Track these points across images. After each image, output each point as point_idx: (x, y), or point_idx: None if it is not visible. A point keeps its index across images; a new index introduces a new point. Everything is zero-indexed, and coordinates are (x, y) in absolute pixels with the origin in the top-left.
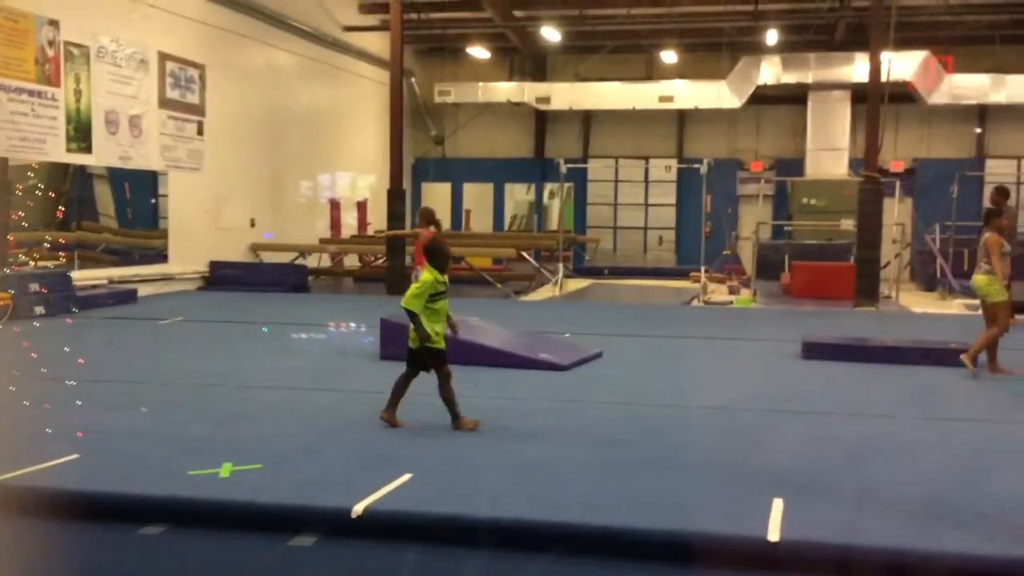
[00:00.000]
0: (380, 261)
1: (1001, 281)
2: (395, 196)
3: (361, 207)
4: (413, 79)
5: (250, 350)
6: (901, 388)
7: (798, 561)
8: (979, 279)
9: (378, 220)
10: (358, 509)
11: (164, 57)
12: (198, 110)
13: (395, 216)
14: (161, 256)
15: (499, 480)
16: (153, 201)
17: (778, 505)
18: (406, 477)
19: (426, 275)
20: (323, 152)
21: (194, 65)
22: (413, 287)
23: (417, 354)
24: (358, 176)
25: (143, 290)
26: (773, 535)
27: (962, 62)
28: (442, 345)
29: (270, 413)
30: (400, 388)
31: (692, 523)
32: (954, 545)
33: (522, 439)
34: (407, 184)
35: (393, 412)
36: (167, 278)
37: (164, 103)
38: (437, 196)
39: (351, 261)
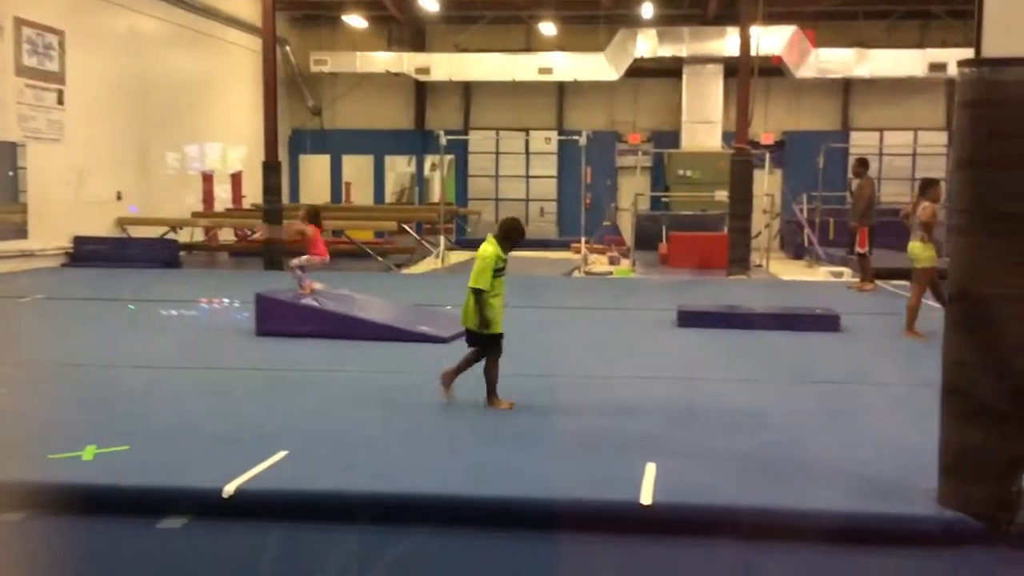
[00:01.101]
0: (256, 235)
1: (932, 249)
2: (270, 168)
3: (235, 179)
4: (288, 47)
5: (116, 329)
6: (770, 353)
7: (671, 523)
8: (915, 246)
9: (253, 193)
10: (229, 489)
11: (20, 23)
12: (58, 78)
13: (270, 189)
14: (20, 232)
15: (375, 455)
16: (11, 174)
17: (651, 469)
18: (281, 455)
19: (489, 248)
20: (194, 123)
21: (52, 31)
22: (477, 264)
23: (476, 335)
24: (231, 148)
25: (0, 267)
26: (646, 499)
27: (828, 37)
28: (500, 329)
29: (138, 393)
30: (466, 365)
31: (567, 490)
32: (818, 503)
33: (399, 412)
34: (283, 156)
35: (495, 396)
36: (27, 255)
37: (21, 71)
38: (315, 168)
39: (226, 235)
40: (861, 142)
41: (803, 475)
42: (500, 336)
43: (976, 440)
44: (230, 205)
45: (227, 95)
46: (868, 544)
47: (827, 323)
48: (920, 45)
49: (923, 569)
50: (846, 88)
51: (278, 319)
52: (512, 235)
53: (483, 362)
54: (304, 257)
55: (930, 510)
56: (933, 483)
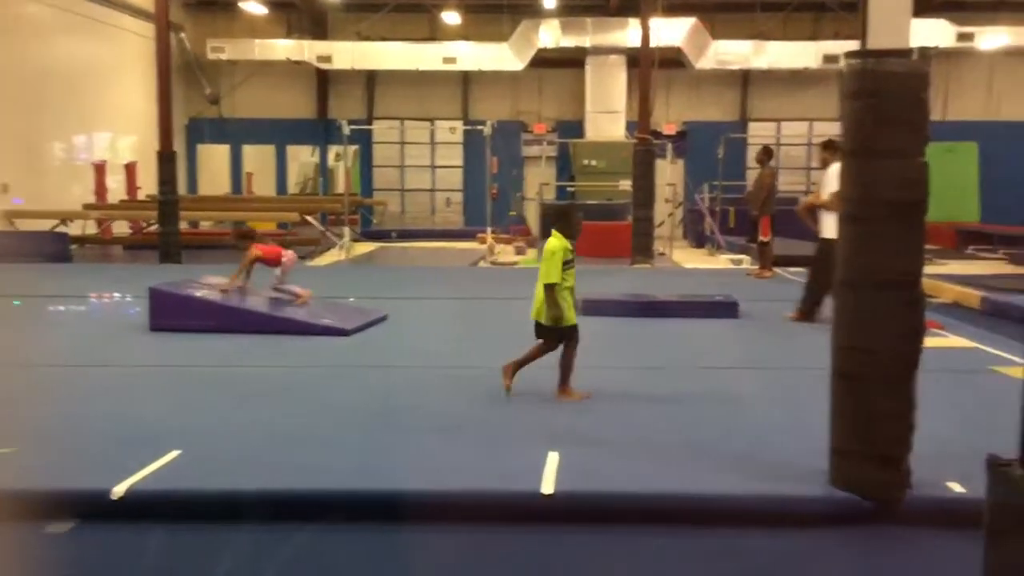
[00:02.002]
0: (152, 227)
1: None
2: (165, 159)
3: (130, 170)
4: (183, 34)
5: (1, 326)
6: (671, 340)
7: (572, 512)
8: None
9: (148, 184)
10: (119, 490)
11: None
12: None
13: (166, 180)
14: None
15: (271, 452)
16: None
17: (554, 458)
18: (174, 454)
19: (554, 241)
20: (86, 112)
21: None
22: (545, 258)
23: (547, 328)
24: (125, 137)
25: None
26: (547, 488)
27: (726, 29)
28: (574, 320)
29: (25, 393)
30: (566, 364)
31: (467, 482)
32: (714, 487)
33: (298, 407)
34: (180, 146)
35: (568, 386)
36: None
37: None
38: (215, 158)
39: (120, 228)
40: (759, 132)
41: (701, 460)
42: (575, 327)
43: (864, 422)
44: (124, 196)
45: (120, 83)
46: (762, 526)
47: (726, 310)
48: (814, 37)
49: (816, 548)
50: (744, 79)
51: (172, 314)
52: (564, 222)
53: (532, 352)
54: (275, 274)
55: (822, 490)
56: (825, 464)
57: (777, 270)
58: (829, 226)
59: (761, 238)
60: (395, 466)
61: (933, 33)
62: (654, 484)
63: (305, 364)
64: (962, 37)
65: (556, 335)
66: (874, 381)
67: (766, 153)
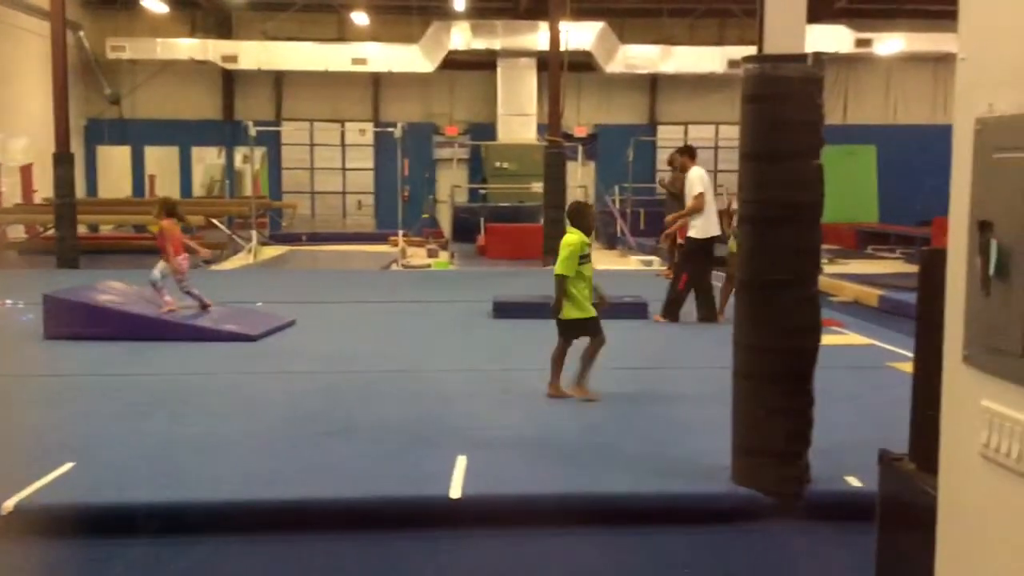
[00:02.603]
0: (49, 231)
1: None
2: (61, 160)
3: (25, 172)
4: (81, 33)
5: None
6: (579, 342)
7: (480, 515)
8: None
9: (45, 187)
10: (8, 505)
11: None
12: None
13: (63, 183)
14: None
15: (169, 462)
16: None
17: (462, 462)
18: (67, 466)
19: (572, 236)
20: None
21: None
22: (562, 252)
23: (567, 324)
24: (19, 139)
25: None
26: (455, 492)
27: (634, 34)
28: (591, 313)
29: None
30: (557, 360)
31: (376, 488)
32: (621, 486)
33: (199, 416)
34: (78, 147)
35: (558, 383)
36: None
37: None
38: (115, 160)
39: (15, 232)
40: (667, 135)
41: (608, 460)
42: (596, 321)
43: (764, 419)
44: (19, 200)
45: (14, 83)
46: (669, 524)
47: (636, 310)
48: (719, 43)
49: (721, 544)
50: (653, 83)
51: (69, 321)
52: (578, 217)
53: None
54: (159, 267)
55: (725, 488)
56: (727, 462)
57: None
58: (695, 226)
59: (679, 240)
60: (300, 474)
61: (833, 39)
62: (563, 485)
63: (208, 371)
64: (861, 43)
65: (575, 330)
66: (773, 379)
67: (682, 152)
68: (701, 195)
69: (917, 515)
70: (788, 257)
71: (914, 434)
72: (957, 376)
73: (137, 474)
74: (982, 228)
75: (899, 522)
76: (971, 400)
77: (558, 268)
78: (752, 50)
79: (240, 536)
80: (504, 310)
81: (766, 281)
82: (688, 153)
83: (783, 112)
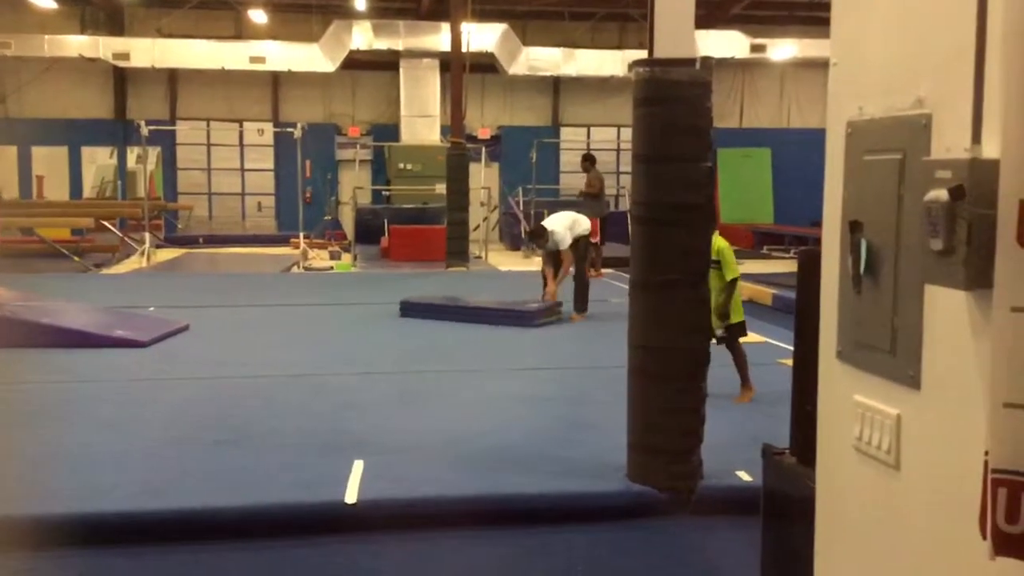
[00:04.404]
0: None
1: None
2: None
3: None
4: None
5: None
6: (486, 343)
7: (376, 519)
8: None
9: None
10: None
11: None
12: None
13: None
14: None
15: (56, 474)
16: None
17: (359, 467)
18: None
19: (724, 241)
20: None
21: None
22: (729, 255)
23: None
24: None
25: None
26: (351, 497)
27: (537, 36)
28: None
29: None
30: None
31: (269, 495)
32: (517, 487)
33: (88, 425)
34: None
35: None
36: None
37: None
38: (2, 161)
39: None
40: (571, 137)
41: (506, 461)
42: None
43: (657, 417)
44: None
45: None
46: (566, 522)
47: (531, 315)
48: (620, 46)
49: (618, 541)
50: (556, 86)
51: None
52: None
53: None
54: None
55: (620, 485)
56: (622, 461)
57: (605, 271)
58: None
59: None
60: (191, 483)
61: (729, 44)
62: (461, 487)
63: (94, 378)
64: (755, 48)
65: (737, 332)
66: (665, 377)
67: (588, 160)
68: (569, 251)
69: (798, 506)
70: (679, 257)
71: (794, 428)
72: (831, 372)
73: (19, 486)
74: (853, 228)
75: (781, 514)
76: (844, 395)
77: (734, 272)
78: (646, 54)
79: (124, 548)
80: (412, 309)
81: (658, 281)
82: (589, 160)
83: (673, 115)
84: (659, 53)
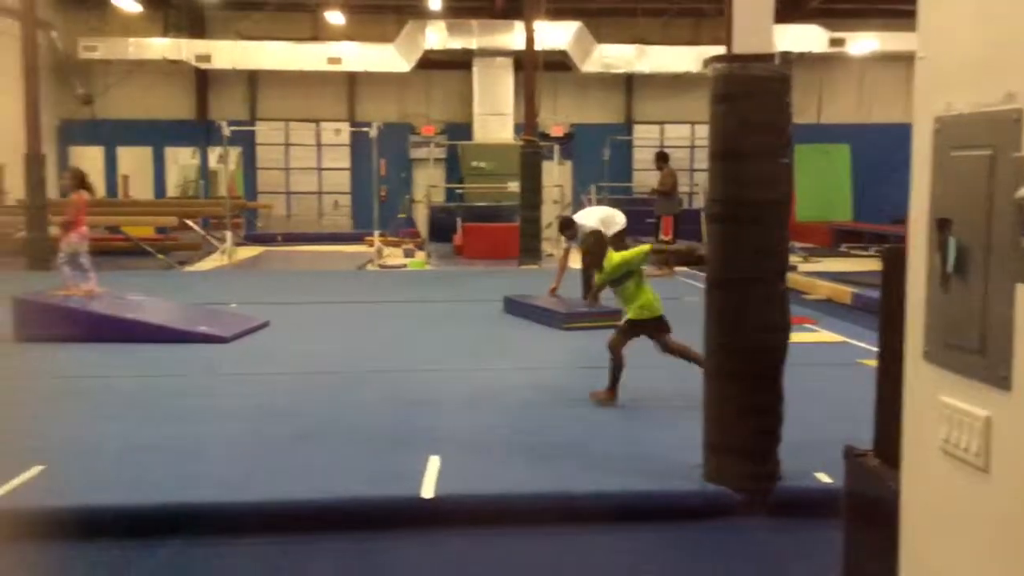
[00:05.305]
0: (20, 233)
1: None
2: (33, 161)
3: None
4: (54, 33)
5: None
6: (557, 342)
7: (451, 514)
8: None
9: (17, 188)
10: None
11: None
12: None
13: (34, 184)
14: None
15: (140, 465)
16: None
17: (435, 462)
18: (36, 469)
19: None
20: None
21: None
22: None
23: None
24: None
25: None
26: (428, 492)
27: (609, 33)
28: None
29: None
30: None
31: (348, 489)
32: (591, 485)
33: (171, 418)
34: (51, 148)
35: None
36: None
37: None
38: (89, 161)
39: None
40: (643, 134)
41: (579, 459)
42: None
43: (734, 416)
44: None
45: None
46: (641, 522)
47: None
48: (694, 42)
49: (691, 542)
50: (628, 83)
51: (39, 323)
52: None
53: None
54: (68, 242)
55: (695, 485)
56: (698, 460)
57: (677, 270)
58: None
59: (663, 237)
60: (271, 476)
61: (807, 39)
62: (534, 484)
63: (179, 373)
64: (834, 42)
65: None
66: (743, 376)
67: (661, 158)
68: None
69: (881, 509)
70: (756, 256)
71: (878, 429)
72: (917, 372)
73: (106, 477)
74: (941, 226)
75: (864, 516)
76: (931, 396)
77: (606, 273)
78: (723, 50)
79: (207, 539)
80: (514, 307)
81: (735, 280)
82: (663, 158)
83: (751, 111)
84: (738, 48)
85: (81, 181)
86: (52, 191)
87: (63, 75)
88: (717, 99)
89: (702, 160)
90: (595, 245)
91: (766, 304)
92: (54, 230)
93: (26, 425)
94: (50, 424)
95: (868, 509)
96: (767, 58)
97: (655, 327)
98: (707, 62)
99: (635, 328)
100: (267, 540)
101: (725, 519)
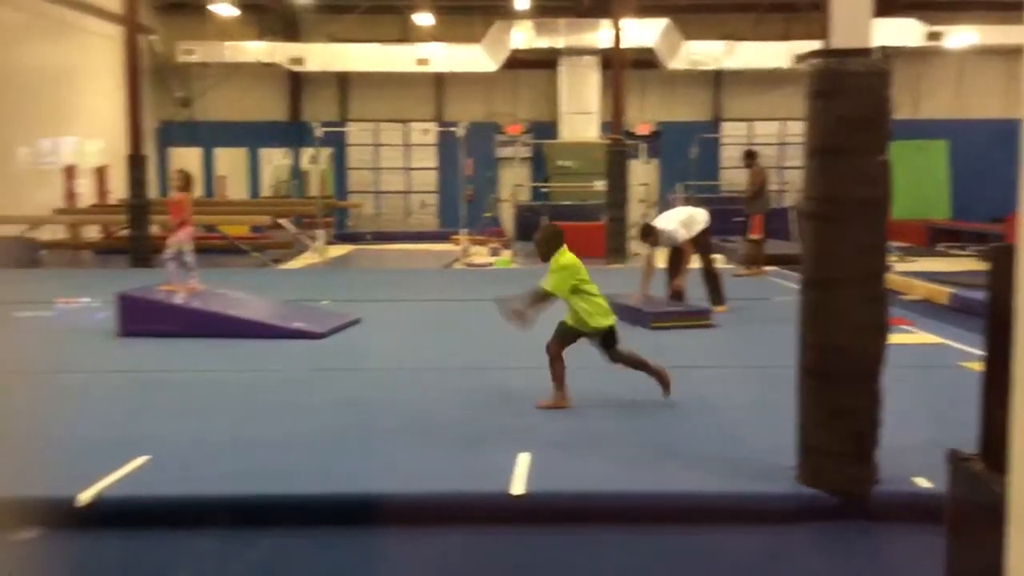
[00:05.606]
0: (123, 232)
1: None
2: (135, 162)
3: (100, 174)
4: (153, 37)
5: None
6: (648, 342)
7: (542, 512)
8: None
9: (119, 188)
10: (85, 497)
11: None
12: None
13: (136, 184)
14: None
15: (240, 456)
16: None
17: (525, 459)
18: (141, 460)
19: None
20: (54, 116)
21: None
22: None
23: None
24: (95, 141)
25: None
26: (517, 489)
27: (698, 30)
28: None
29: None
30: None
31: (437, 485)
32: (683, 485)
33: (268, 411)
34: (152, 149)
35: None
36: None
37: None
38: (186, 162)
39: (90, 232)
40: (732, 132)
41: (670, 458)
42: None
43: (830, 418)
44: (94, 201)
45: (89, 87)
46: (731, 523)
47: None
48: (785, 37)
49: (786, 544)
50: (716, 80)
51: (142, 319)
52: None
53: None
54: (176, 239)
55: (790, 488)
56: (792, 461)
57: (768, 268)
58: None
59: (752, 236)
60: (365, 469)
61: (903, 33)
62: (625, 483)
63: (276, 368)
64: (931, 36)
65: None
66: (841, 378)
67: (750, 156)
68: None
69: (987, 515)
70: (853, 255)
71: (983, 433)
72: None
73: (210, 468)
74: None
75: (969, 522)
76: None
77: (552, 286)
78: (819, 45)
79: (306, 530)
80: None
81: (831, 279)
82: (751, 156)
83: (849, 107)
84: (835, 44)
85: (188, 182)
86: (153, 191)
87: (162, 78)
88: (814, 95)
89: (792, 158)
90: (543, 240)
91: (864, 304)
92: (155, 228)
93: (132, 417)
94: (154, 416)
95: (973, 514)
96: (865, 53)
97: (601, 337)
98: (802, 58)
99: (575, 334)
100: (364, 532)
101: (821, 522)
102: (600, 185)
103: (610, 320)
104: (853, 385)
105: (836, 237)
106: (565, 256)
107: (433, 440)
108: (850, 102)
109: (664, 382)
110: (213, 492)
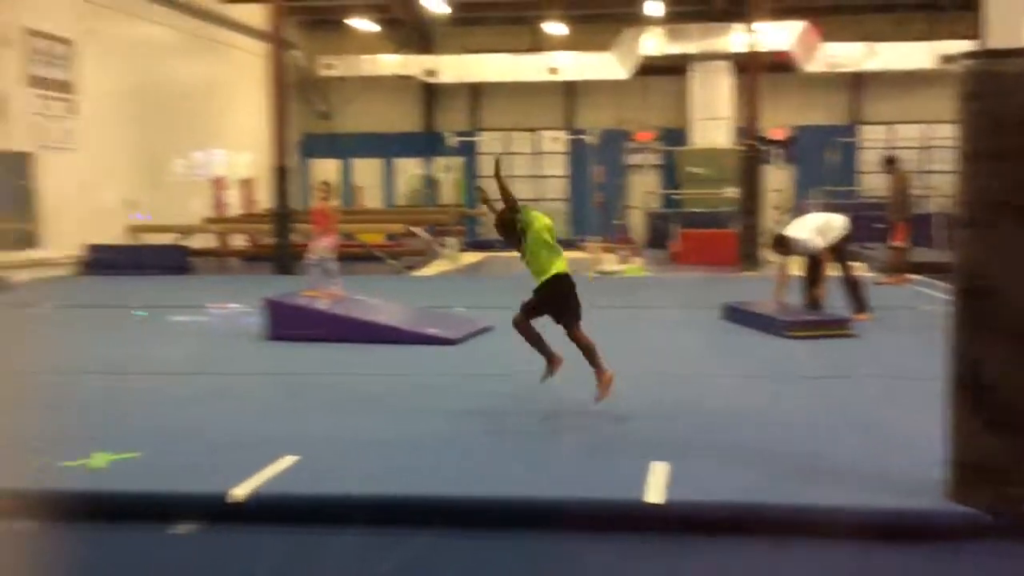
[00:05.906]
0: (268, 240)
1: None
2: (280, 173)
3: (248, 185)
4: (297, 52)
5: (126, 336)
6: (779, 350)
7: (681, 521)
8: None
9: (264, 198)
10: (239, 494)
11: (31, 33)
12: (70, 87)
13: (280, 194)
14: (32, 241)
15: (384, 457)
16: (22, 183)
17: (663, 468)
18: (291, 459)
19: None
20: (204, 129)
21: (63, 41)
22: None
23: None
24: (242, 153)
25: (13, 277)
26: (656, 497)
27: (834, 31)
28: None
29: (148, 400)
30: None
31: (574, 490)
32: (827, 500)
33: (409, 415)
34: (294, 161)
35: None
36: (39, 264)
37: (32, 81)
38: (326, 173)
39: (237, 241)
40: (871, 136)
41: (813, 471)
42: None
43: (983, 433)
44: (241, 211)
45: (237, 101)
46: (877, 540)
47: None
48: (928, 38)
49: (933, 562)
50: (855, 82)
51: (288, 323)
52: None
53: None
54: (318, 246)
55: (940, 504)
56: (939, 477)
57: (912, 277)
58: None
59: (895, 243)
60: (503, 472)
61: None
62: (767, 494)
63: (413, 372)
64: None
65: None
66: (996, 390)
67: (889, 162)
68: (826, 253)
69: None
70: (1009, 261)
71: None
72: None
73: (356, 468)
74: None
75: None
76: None
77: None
78: (969, 44)
79: (449, 531)
80: (732, 314)
81: (984, 287)
82: (890, 161)
83: (1005, 110)
84: (991, 43)
85: (331, 193)
86: (297, 202)
87: (304, 92)
88: (968, 97)
89: (937, 162)
90: (499, 224)
91: (1018, 313)
92: (297, 237)
93: (280, 418)
94: (302, 417)
95: None
96: (1022, 53)
97: (560, 307)
98: (951, 59)
99: (541, 304)
100: (499, 536)
101: (973, 541)
102: (731, 192)
103: (564, 266)
104: (1010, 400)
105: (990, 244)
106: (530, 214)
107: (566, 446)
108: (1007, 104)
109: (554, 365)
110: (361, 491)
